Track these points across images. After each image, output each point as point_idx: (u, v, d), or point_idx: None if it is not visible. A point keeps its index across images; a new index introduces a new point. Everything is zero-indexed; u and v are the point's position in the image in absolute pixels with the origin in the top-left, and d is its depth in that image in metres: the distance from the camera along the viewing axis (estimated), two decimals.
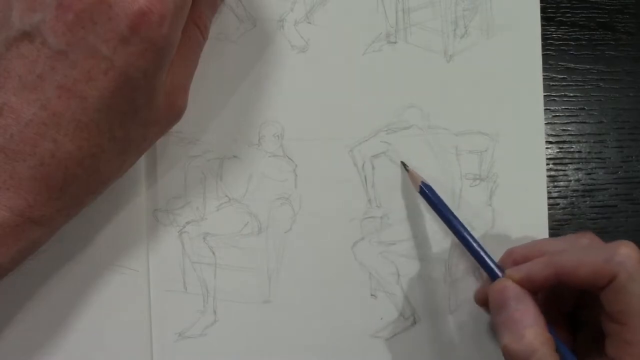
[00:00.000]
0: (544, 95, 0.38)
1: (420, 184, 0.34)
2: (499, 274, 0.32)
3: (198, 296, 0.34)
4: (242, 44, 0.35)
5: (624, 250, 0.28)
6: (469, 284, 0.36)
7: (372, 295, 0.36)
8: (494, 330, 0.30)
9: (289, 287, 0.35)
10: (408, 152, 0.36)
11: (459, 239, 0.33)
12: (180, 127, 0.34)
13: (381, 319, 0.36)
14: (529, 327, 0.29)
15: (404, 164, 0.35)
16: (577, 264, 0.29)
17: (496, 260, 0.33)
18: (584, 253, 0.30)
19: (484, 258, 0.32)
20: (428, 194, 0.34)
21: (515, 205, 0.37)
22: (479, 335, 0.36)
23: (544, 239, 0.36)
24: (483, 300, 0.34)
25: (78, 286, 0.33)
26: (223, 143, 0.34)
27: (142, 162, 0.33)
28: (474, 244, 0.33)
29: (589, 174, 0.39)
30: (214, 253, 0.34)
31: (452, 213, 0.33)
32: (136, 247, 0.34)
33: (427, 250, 0.36)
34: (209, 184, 0.34)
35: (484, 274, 0.33)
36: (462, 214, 0.36)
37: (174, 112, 0.29)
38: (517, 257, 0.32)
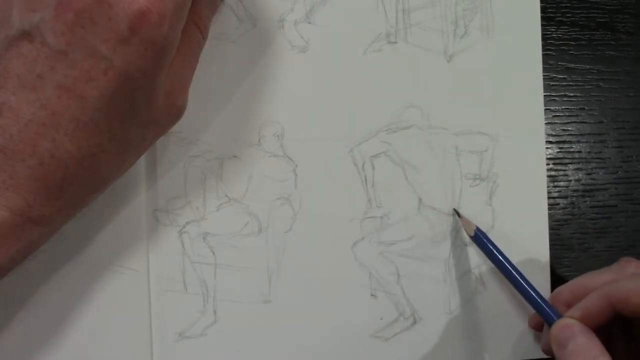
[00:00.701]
0: (544, 95, 0.38)
1: (474, 229, 0.35)
2: (555, 318, 0.31)
3: (198, 296, 0.34)
4: (242, 44, 0.34)
5: None
6: (469, 284, 0.36)
7: (372, 295, 0.36)
8: None
9: (289, 287, 0.35)
10: (408, 152, 0.36)
11: (513, 284, 0.33)
12: (180, 127, 0.34)
13: (381, 319, 0.36)
14: (600, 357, 0.28)
15: (456, 212, 0.36)
16: (631, 293, 0.29)
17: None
18: (636, 281, 0.30)
19: (540, 304, 0.32)
20: (482, 239, 0.34)
21: (515, 206, 0.37)
22: (478, 335, 0.36)
23: (589, 274, 0.35)
24: (537, 326, 0.35)
25: (78, 286, 0.33)
26: (223, 143, 0.34)
27: (142, 162, 0.33)
28: (530, 290, 0.33)
29: (589, 173, 0.39)
30: (214, 253, 0.34)
31: (507, 258, 0.34)
32: (136, 247, 0.34)
33: (427, 250, 0.36)
34: (209, 184, 0.34)
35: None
36: (462, 214, 0.36)
37: (174, 112, 0.29)
38: (566, 296, 0.33)
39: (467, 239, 0.36)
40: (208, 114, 0.34)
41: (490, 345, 0.36)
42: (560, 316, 0.31)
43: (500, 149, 0.37)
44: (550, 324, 0.31)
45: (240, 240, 0.35)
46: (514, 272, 0.33)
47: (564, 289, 0.33)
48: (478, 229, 0.35)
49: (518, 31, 0.37)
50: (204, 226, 0.34)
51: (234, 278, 0.34)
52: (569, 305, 0.32)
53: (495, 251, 0.34)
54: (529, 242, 0.37)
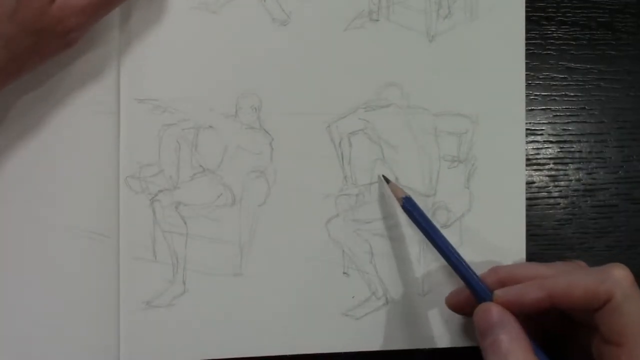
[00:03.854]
0: (544, 95, 0.38)
1: (402, 197, 0.33)
2: (487, 294, 0.31)
3: (167, 265, 0.34)
4: (222, 14, 0.34)
5: (618, 271, 0.29)
6: (444, 267, 0.36)
7: (344, 273, 0.35)
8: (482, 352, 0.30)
9: (261, 261, 0.35)
10: (386, 130, 0.36)
11: (443, 256, 0.33)
12: (156, 94, 0.34)
13: (353, 297, 0.35)
14: (512, 353, 0.28)
15: (384, 177, 0.35)
16: (572, 286, 0.29)
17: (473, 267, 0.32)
18: (578, 275, 0.30)
19: (471, 277, 0.32)
20: (410, 209, 0.33)
21: (493, 189, 0.36)
22: (450, 318, 0.36)
23: (531, 263, 0.35)
24: (454, 305, 0.34)
25: (46, 250, 0.33)
26: (199, 113, 0.34)
27: (115, 128, 0.33)
28: (461, 263, 0.32)
29: (590, 173, 0.38)
30: (185, 223, 0.34)
31: (436, 229, 0.33)
32: (107, 214, 0.33)
33: (402, 231, 0.36)
34: (183, 153, 0.34)
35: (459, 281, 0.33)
36: (439, 196, 0.36)
37: (60, 29, 0.29)
38: (503, 276, 0.32)
39: (443, 220, 0.36)
40: (185, 83, 0.34)
41: (461, 329, 0.36)
42: (489, 294, 0.31)
43: (479, 132, 0.36)
44: (478, 299, 0.31)
45: (213, 211, 0.34)
46: (445, 245, 0.32)
47: (501, 268, 0.33)
48: (407, 198, 0.33)
49: (501, 14, 0.37)
50: (176, 195, 0.34)
51: (205, 249, 0.34)
52: (502, 284, 0.31)
53: (423, 223, 0.33)
54: (505, 226, 0.36)
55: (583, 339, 0.31)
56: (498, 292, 0.31)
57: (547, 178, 0.38)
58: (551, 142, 0.38)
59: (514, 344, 0.29)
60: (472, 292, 0.32)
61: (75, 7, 0.29)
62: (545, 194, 0.38)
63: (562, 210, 0.38)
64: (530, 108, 0.38)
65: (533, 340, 0.29)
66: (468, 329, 0.36)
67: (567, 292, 0.29)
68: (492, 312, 0.30)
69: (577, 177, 0.38)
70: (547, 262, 0.34)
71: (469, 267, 0.32)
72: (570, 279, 0.29)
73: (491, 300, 0.30)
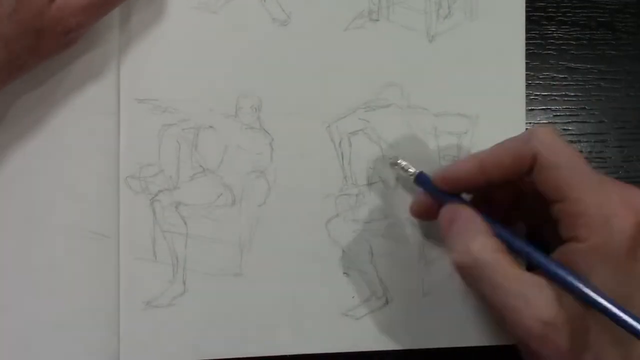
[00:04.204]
0: (544, 95, 0.38)
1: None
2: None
3: (167, 266, 0.34)
4: (222, 14, 0.34)
5: (540, 130, 0.29)
6: (444, 267, 0.36)
7: (344, 273, 0.35)
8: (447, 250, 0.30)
9: (261, 261, 0.34)
10: (386, 130, 0.36)
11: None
12: (156, 94, 0.34)
13: (353, 297, 0.35)
14: (473, 238, 0.28)
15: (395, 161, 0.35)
16: (499, 153, 0.30)
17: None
18: (504, 143, 0.30)
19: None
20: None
21: None
22: (451, 318, 0.36)
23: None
24: (417, 212, 0.34)
25: (46, 250, 0.33)
26: (199, 113, 0.34)
27: (115, 128, 0.33)
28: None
29: None
30: (185, 223, 0.34)
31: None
32: (107, 214, 0.33)
33: (402, 231, 0.36)
34: (183, 153, 0.34)
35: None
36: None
37: (60, 28, 0.29)
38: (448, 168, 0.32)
39: None
40: (185, 83, 0.34)
41: (462, 328, 0.36)
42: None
43: (479, 132, 0.36)
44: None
45: (213, 211, 0.34)
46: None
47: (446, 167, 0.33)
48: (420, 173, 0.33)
49: (501, 14, 0.37)
50: (176, 195, 0.34)
51: (205, 249, 0.34)
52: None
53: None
54: None
55: (543, 212, 0.30)
56: (434, 173, 0.31)
57: None
58: None
59: (474, 232, 0.29)
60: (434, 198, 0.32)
61: (75, 7, 0.29)
62: None
63: None
64: (530, 108, 0.38)
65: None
66: (468, 329, 0.36)
67: (496, 160, 0.30)
68: (454, 208, 0.30)
69: None
70: None
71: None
72: (497, 147, 0.30)
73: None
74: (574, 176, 0.28)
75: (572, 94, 0.39)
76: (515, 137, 0.30)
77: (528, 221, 0.34)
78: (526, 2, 0.37)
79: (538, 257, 0.28)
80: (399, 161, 0.34)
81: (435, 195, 0.32)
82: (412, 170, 0.34)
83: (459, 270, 0.29)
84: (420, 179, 0.33)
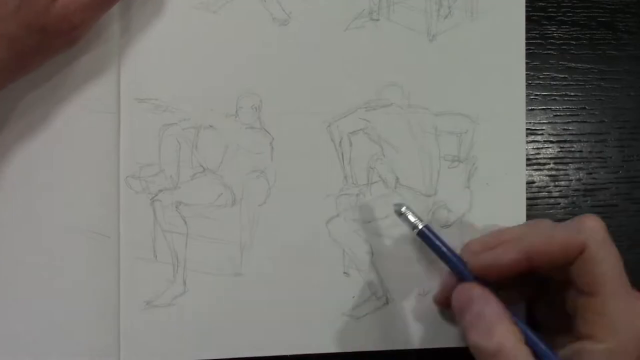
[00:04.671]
0: (545, 95, 0.38)
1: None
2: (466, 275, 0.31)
3: (168, 265, 0.34)
4: (222, 14, 0.34)
5: (591, 221, 0.29)
6: (443, 267, 0.36)
7: (344, 273, 0.35)
8: (462, 331, 0.30)
9: (261, 261, 0.34)
10: (387, 130, 0.36)
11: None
12: (156, 94, 0.34)
13: (353, 297, 0.35)
14: (497, 323, 0.28)
15: (400, 209, 0.33)
16: (548, 242, 0.29)
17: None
18: (552, 231, 0.30)
19: (452, 259, 0.32)
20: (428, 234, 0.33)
21: (494, 189, 0.36)
22: (450, 318, 0.36)
23: (501, 229, 0.35)
24: (442, 300, 0.34)
25: (46, 250, 0.33)
26: (200, 112, 0.34)
27: (115, 128, 0.33)
28: (440, 244, 0.32)
29: (590, 173, 0.38)
30: (186, 223, 0.34)
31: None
32: (108, 213, 0.33)
33: (403, 231, 0.36)
34: (183, 152, 0.34)
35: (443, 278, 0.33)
36: (440, 196, 0.36)
37: (65, 26, 0.29)
38: (475, 248, 0.32)
39: (443, 220, 0.36)
40: (185, 82, 0.34)
41: (461, 329, 0.36)
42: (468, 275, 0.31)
43: (480, 131, 0.36)
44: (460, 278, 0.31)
45: (214, 211, 0.34)
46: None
47: (473, 242, 0.33)
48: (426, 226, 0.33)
49: (502, 14, 0.37)
50: (177, 195, 0.34)
51: (206, 249, 0.34)
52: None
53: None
54: (506, 226, 0.36)
55: (556, 298, 0.31)
56: (471, 260, 0.31)
57: (547, 178, 0.38)
58: (551, 142, 0.38)
59: (498, 316, 0.29)
60: (457, 275, 0.32)
61: (79, 4, 0.29)
62: (546, 193, 0.38)
63: (562, 210, 0.38)
64: (530, 108, 0.38)
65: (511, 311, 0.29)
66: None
67: (544, 249, 0.29)
68: (474, 288, 0.30)
69: (578, 177, 0.38)
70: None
71: (447, 245, 0.32)
72: (546, 235, 0.30)
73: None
74: (613, 276, 0.28)
75: (572, 93, 0.39)
76: (563, 226, 0.30)
77: (521, 290, 0.33)
78: (526, 2, 0.37)
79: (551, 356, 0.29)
80: (402, 209, 0.33)
81: (440, 254, 0.32)
82: (416, 222, 0.33)
83: (475, 351, 0.28)
84: (424, 234, 0.33)
